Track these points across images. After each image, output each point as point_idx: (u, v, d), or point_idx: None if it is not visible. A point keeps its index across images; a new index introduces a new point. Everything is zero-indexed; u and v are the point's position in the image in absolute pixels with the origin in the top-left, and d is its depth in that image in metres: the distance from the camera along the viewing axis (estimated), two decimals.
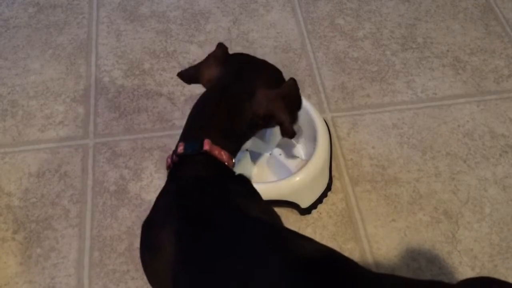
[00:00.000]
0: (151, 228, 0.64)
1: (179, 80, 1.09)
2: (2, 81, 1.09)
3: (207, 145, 0.65)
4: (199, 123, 0.69)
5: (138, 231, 0.91)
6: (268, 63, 0.76)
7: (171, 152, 0.67)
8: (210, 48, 1.16)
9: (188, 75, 0.79)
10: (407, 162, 1.00)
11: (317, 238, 0.90)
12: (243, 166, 0.94)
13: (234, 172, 0.68)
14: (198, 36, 1.19)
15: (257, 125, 0.71)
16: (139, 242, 0.66)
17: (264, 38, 1.20)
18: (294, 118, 0.73)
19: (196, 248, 0.57)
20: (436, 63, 1.17)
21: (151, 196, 0.95)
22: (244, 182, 0.68)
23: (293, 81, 0.70)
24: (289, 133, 0.69)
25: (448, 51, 1.19)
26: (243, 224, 0.58)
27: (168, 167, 0.67)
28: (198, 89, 0.74)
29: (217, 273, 0.54)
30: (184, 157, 0.65)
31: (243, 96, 0.68)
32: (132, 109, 1.06)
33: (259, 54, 1.16)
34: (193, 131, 0.68)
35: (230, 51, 1.17)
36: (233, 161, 0.68)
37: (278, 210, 0.91)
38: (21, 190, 0.95)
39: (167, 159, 0.68)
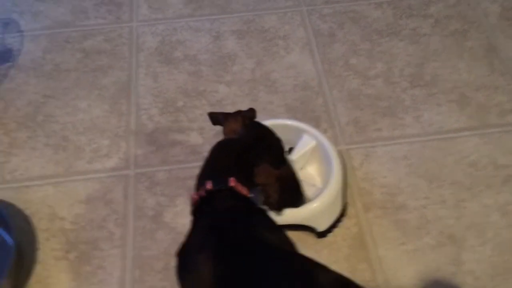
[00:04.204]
0: (189, 253, 0.75)
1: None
2: (55, 118, 1.24)
3: (232, 182, 0.76)
4: (223, 166, 0.81)
5: (174, 252, 1.03)
6: (279, 141, 0.90)
7: (194, 191, 0.79)
8: (237, 87, 1.30)
9: (217, 118, 0.93)
10: (415, 191, 1.10)
11: (332, 259, 1.01)
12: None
13: (255, 204, 0.79)
14: (226, 76, 1.33)
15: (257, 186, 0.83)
16: (176, 266, 0.75)
17: (284, 78, 1.33)
18: (294, 198, 0.86)
19: (229, 271, 0.67)
20: (443, 99, 1.27)
21: (185, 220, 1.06)
22: (265, 214, 0.80)
23: (289, 166, 0.86)
24: (272, 207, 0.83)
25: (454, 87, 1.29)
26: (269, 253, 0.69)
27: (195, 203, 0.78)
28: None
29: None
30: (212, 192, 0.76)
31: (254, 161, 0.82)
32: (168, 143, 1.20)
33: (280, 92, 1.29)
34: (218, 172, 0.80)
35: (254, 90, 1.31)
36: (251, 195, 0.79)
37: (297, 233, 1.03)
38: (72, 215, 1.08)
39: (192, 196, 0.79)
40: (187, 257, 0.74)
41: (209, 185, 0.77)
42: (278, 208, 0.88)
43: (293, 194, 0.88)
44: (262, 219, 0.78)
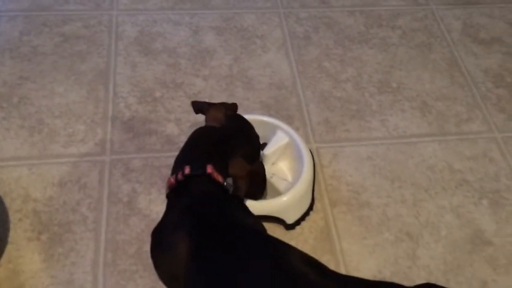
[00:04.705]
0: (165, 232, 0.78)
1: (186, 108, 1.27)
2: (31, 101, 1.24)
3: (209, 169, 0.80)
4: (201, 152, 0.84)
5: (147, 237, 1.06)
6: (257, 137, 0.95)
7: (170, 176, 0.81)
8: (214, 81, 1.34)
9: (200, 106, 0.96)
10: (378, 190, 1.18)
11: None
12: None
13: (229, 191, 0.84)
14: (204, 70, 1.36)
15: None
16: (150, 246, 0.78)
17: (260, 76, 1.38)
18: (257, 192, 0.90)
19: (206, 251, 0.71)
20: (407, 105, 1.36)
21: (159, 207, 1.10)
22: (239, 200, 0.85)
23: (261, 163, 0.90)
24: (240, 195, 0.86)
25: (417, 96, 1.38)
26: (244, 234, 0.73)
27: (171, 186, 0.81)
28: (200, 118, 0.94)
29: (222, 270, 0.69)
30: (190, 177, 0.80)
31: (230, 152, 0.86)
32: (144, 131, 1.22)
33: (256, 89, 1.34)
34: (196, 157, 0.83)
35: (231, 86, 1.35)
36: (225, 183, 0.83)
37: (267, 224, 1.08)
38: (45, 197, 1.09)
39: (169, 179, 0.81)
40: (162, 236, 0.77)
41: (187, 170, 0.79)
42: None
43: (258, 189, 0.92)
44: (237, 204, 0.82)
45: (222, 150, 0.86)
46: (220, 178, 0.81)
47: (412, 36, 1.54)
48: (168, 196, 0.83)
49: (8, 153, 1.15)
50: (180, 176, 0.80)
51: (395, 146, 1.27)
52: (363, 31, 1.53)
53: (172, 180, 0.81)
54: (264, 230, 0.83)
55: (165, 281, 0.78)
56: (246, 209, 0.84)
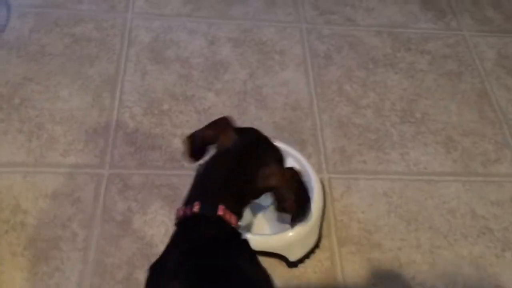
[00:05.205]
0: (161, 275, 0.70)
1: (194, 123, 1.20)
2: (32, 104, 1.18)
3: (221, 210, 0.71)
4: (214, 186, 0.75)
5: (138, 262, 0.99)
6: (276, 145, 0.84)
7: (182, 206, 0.73)
8: (226, 97, 1.26)
9: (202, 135, 0.84)
10: (392, 231, 1.08)
11: None
12: (243, 217, 1.01)
13: (240, 234, 0.75)
14: (216, 84, 1.29)
15: (262, 192, 0.79)
16: (145, 282, 0.71)
17: (276, 94, 1.30)
18: (303, 204, 0.79)
19: None
20: (430, 139, 1.26)
21: (154, 230, 1.03)
22: (247, 246, 0.75)
23: (294, 169, 0.79)
24: (290, 211, 0.76)
25: (442, 129, 1.29)
26: (244, 284, 0.65)
27: (179, 218, 0.72)
28: None
29: None
30: (198, 216, 0.71)
31: (255, 167, 0.76)
32: (147, 145, 1.15)
33: (270, 108, 1.26)
34: (208, 193, 0.74)
35: (244, 103, 1.28)
36: (239, 223, 0.74)
37: (269, 261, 1.00)
38: (36, 209, 1.03)
39: (179, 210, 0.73)
40: (159, 279, 0.70)
41: (196, 208, 0.71)
42: (296, 214, 0.80)
43: (305, 199, 0.81)
44: (243, 250, 0.74)
45: (242, 173, 0.76)
46: (233, 219, 0.73)
47: (442, 63, 1.44)
48: (176, 226, 0.75)
49: (3, 158, 1.09)
50: (189, 211, 0.72)
51: (414, 183, 1.17)
52: (389, 54, 1.44)
53: (181, 212, 0.73)
54: (269, 279, 0.74)
55: None
56: (252, 255, 0.75)
